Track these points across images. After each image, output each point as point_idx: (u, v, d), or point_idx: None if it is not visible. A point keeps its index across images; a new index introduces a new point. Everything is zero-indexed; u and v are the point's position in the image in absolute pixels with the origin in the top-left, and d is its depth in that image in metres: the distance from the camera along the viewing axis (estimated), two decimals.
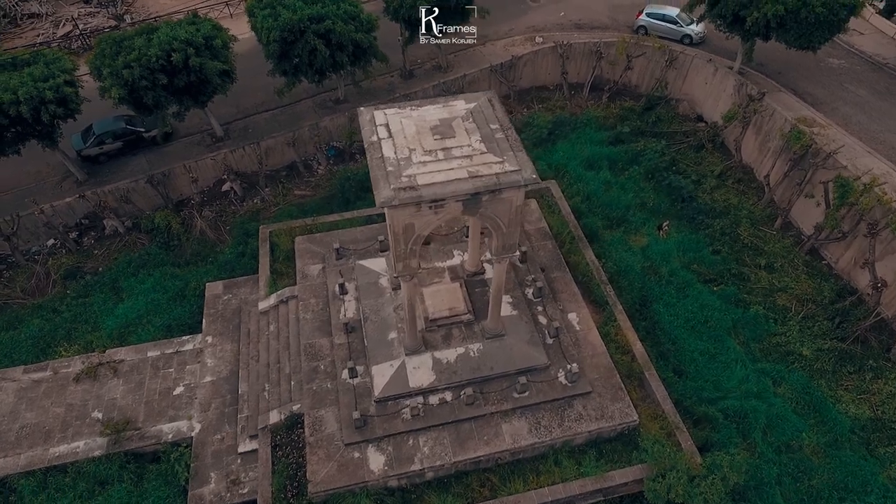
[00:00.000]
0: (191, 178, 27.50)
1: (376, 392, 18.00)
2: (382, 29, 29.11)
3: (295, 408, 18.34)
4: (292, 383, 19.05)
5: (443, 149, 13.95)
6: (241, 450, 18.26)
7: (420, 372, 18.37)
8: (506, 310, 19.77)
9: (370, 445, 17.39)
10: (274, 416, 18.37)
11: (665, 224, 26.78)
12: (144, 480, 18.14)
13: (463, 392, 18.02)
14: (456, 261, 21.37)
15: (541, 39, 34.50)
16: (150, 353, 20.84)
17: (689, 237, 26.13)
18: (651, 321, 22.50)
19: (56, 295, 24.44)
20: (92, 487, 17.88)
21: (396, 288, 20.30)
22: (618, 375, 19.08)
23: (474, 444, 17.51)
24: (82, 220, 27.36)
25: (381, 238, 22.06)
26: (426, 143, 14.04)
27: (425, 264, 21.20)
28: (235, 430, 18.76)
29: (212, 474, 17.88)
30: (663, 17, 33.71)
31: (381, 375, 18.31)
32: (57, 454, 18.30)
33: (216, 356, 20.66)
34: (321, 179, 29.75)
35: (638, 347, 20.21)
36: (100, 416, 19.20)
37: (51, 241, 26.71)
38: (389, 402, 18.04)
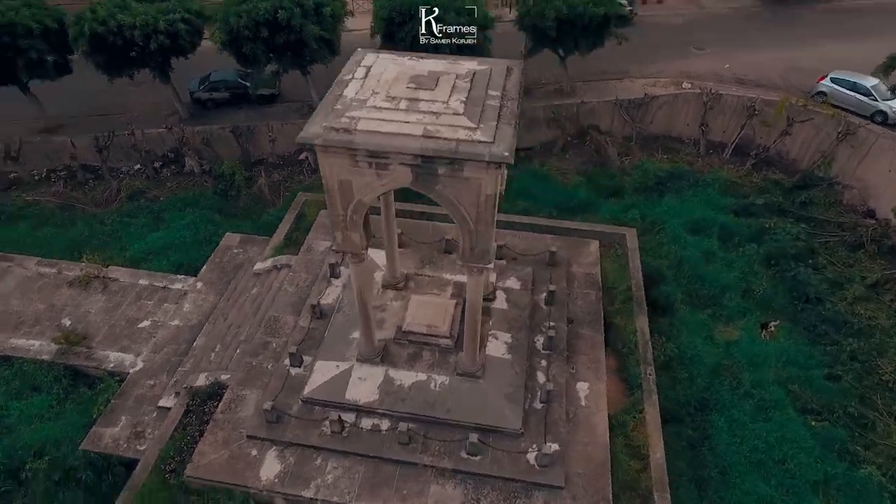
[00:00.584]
0: (269, 138, 27.41)
1: (305, 390, 15.04)
2: (505, 37, 27.08)
3: (224, 377, 16.08)
4: (237, 351, 16.88)
5: (410, 99, 10.95)
6: (160, 403, 16.38)
7: (364, 385, 15.05)
8: (499, 349, 15.76)
9: (273, 448, 14.41)
10: (201, 379, 16.24)
11: (773, 324, 20.43)
12: (69, 400, 17.08)
13: (402, 426, 14.29)
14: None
15: (688, 85, 29.73)
16: (141, 281, 20.21)
17: (801, 348, 19.54)
18: (702, 433, 16.74)
19: (114, 209, 25.39)
20: (23, 389, 17.23)
21: (388, 287, 17.33)
22: (610, 481, 13.92)
23: (388, 494, 13.64)
24: (168, 153, 28.53)
25: (399, 231, 19.32)
26: (395, 90, 11.16)
27: (432, 272, 17.97)
28: (170, 381, 17.00)
29: (123, 418, 16.21)
30: (854, 86, 26.99)
31: (322, 374, 15.33)
32: (13, 346, 18.07)
33: (195, 303, 19.33)
34: None
35: (658, 456, 14.75)
36: (68, 323, 18.76)
37: (137, 166, 28.17)
38: (317, 408, 14.93)
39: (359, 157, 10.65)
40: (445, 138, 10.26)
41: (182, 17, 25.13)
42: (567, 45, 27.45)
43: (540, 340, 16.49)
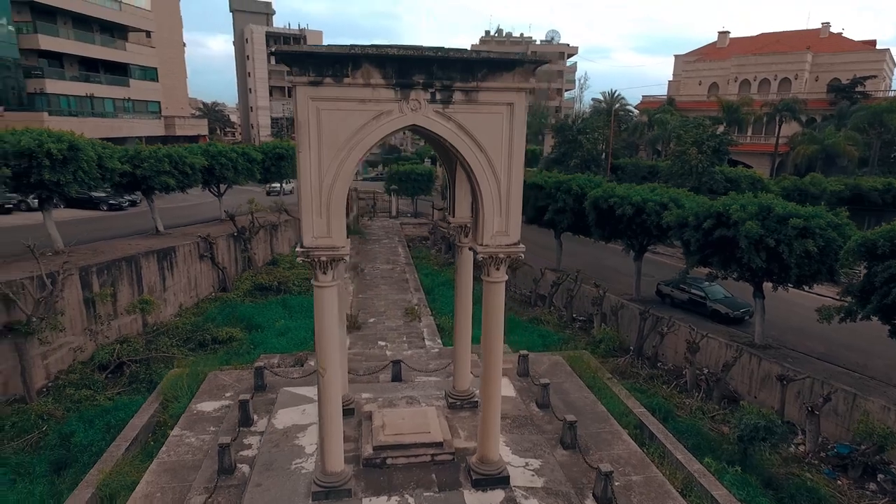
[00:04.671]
0: (660, 332, 23.32)
1: (276, 414, 13.55)
2: None
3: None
4: None
5: None
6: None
7: (286, 416, 12.18)
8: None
9: (215, 428, 13.96)
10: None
11: None
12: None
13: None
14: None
15: None
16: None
17: None
18: None
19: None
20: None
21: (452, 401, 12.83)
22: None
23: None
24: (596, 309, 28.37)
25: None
26: None
27: None
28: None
29: (277, 359, 19.06)
30: None
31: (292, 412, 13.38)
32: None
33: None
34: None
35: None
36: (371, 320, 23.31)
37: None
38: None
39: None
40: None
41: None
42: None
43: None
